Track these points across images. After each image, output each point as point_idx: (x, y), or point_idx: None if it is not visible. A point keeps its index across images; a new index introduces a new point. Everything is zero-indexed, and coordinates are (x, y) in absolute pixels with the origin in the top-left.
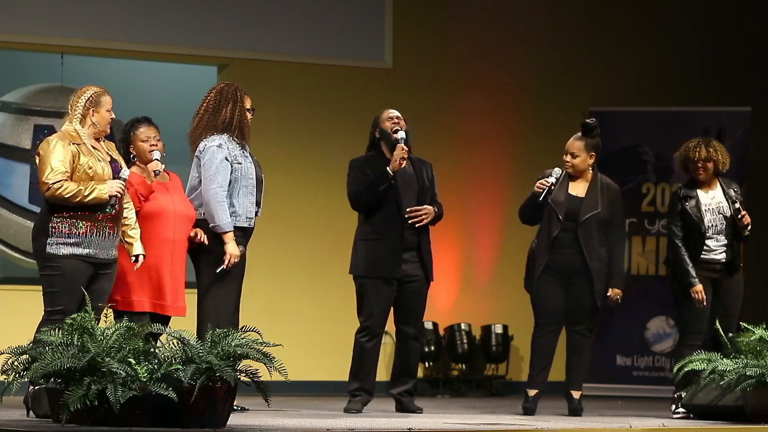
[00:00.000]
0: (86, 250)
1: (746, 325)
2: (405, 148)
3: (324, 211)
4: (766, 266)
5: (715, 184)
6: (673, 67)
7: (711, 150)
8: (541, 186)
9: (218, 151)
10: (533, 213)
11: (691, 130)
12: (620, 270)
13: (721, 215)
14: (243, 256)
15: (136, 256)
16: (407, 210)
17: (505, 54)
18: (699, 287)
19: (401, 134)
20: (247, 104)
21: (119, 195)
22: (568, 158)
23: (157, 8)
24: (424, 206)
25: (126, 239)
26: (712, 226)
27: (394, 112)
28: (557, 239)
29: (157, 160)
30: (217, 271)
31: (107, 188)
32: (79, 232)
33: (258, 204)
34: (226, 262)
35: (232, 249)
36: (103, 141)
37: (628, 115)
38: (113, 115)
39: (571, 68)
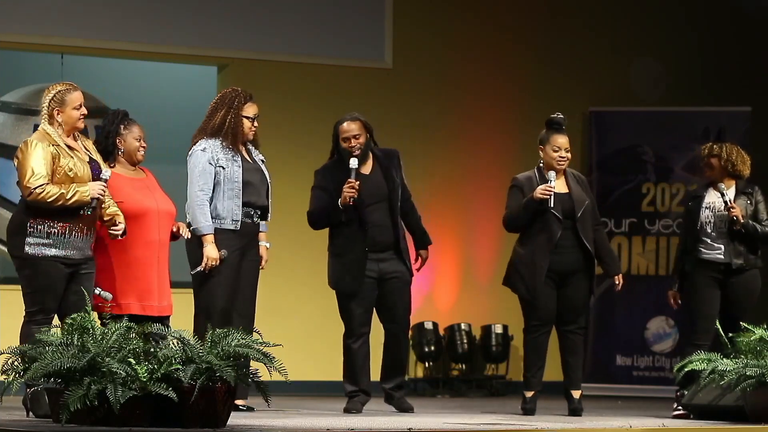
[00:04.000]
0: (64, 252)
1: (746, 325)
2: (356, 182)
3: None
4: (766, 267)
5: (730, 185)
6: (673, 67)
7: (716, 147)
8: (546, 192)
9: (202, 155)
10: (529, 221)
11: (691, 130)
12: (615, 255)
13: (718, 213)
14: (231, 258)
15: (124, 228)
16: (415, 269)
17: (505, 54)
18: (671, 292)
19: (353, 162)
20: (248, 111)
21: (101, 197)
22: (563, 154)
23: (157, 8)
24: (420, 257)
25: (112, 222)
26: (708, 223)
27: (351, 130)
28: (559, 239)
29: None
30: (192, 272)
31: (89, 190)
32: (56, 233)
33: (260, 207)
34: (203, 264)
35: (209, 252)
36: (80, 140)
37: (628, 115)
38: (84, 111)
39: (571, 68)
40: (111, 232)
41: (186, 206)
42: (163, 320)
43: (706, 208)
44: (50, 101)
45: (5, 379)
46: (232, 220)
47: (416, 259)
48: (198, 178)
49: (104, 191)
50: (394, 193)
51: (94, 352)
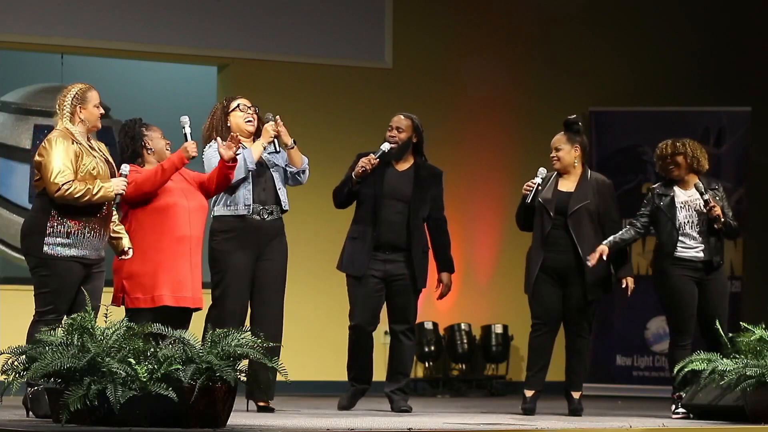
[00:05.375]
0: (82, 252)
1: (746, 325)
2: (374, 158)
3: (323, 212)
4: (766, 267)
5: (693, 181)
6: (673, 68)
7: (678, 144)
8: (528, 188)
9: (208, 148)
10: (526, 217)
11: (691, 130)
12: (626, 257)
13: (697, 212)
14: (241, 258)
15: (126, 250)
16: (438, 297)
17: (504, 54)
18: (603, 248)
19: (385, 146)
20: (234, 104)
21: (123, 192)
22: (553, 153)
23: (157, 8)
24: (442, 281)
25: (113, 236)
26: (687, 222)
27: (398, 121)
28: (550, 236)
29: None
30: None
31: (113, 186)
32: (75, 232)
33: (272, 203)
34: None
35: (265, 135)
36: (96, 141)
37: (628, 115)
38: (102, 111)
39: (571, 68)
40: (122, 258)
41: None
42: (190, 313)
43: (683, 207)
44: (72, 99)
45: (5, 379)
46: (244, 205)
47: (437, 285)
48: (216, 163)
49: (126, 187)
50: (416, 200)
51: (94, 352)
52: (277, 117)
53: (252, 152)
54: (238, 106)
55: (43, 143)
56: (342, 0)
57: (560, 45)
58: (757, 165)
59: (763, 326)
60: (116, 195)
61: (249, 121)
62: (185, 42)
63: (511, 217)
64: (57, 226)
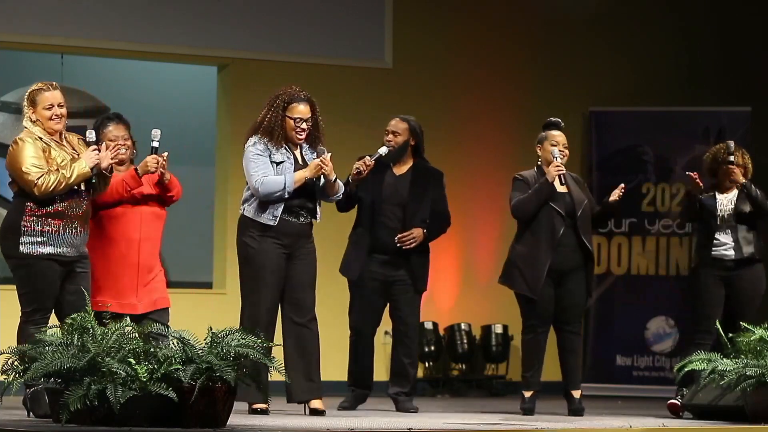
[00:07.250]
0: (59, 249)
1: (746, 325)
2: (369, 160)
3: (327, 213)
4: (766, 267)
5: (734, 188)
6: (674, 68)
7: (747, 158)
8: (559, 168)
9: (252, 149)
10: (538, 207)
11: (691, 130)
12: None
13: (731, 210)
14: (274, 259)
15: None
16: (397, 236)
17: (504, 54)
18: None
19: (382, 150)
20: (292, 112)
21: (99, 162)
22: (561, 148)
23: (157, 8)
24: (412, 231)
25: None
26: (718, 216)
27: (394, 125)
28: (561, 237)
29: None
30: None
31: (85, 163)
32: (51, 231)
33: (308, 208)
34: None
35: (311, 167)
36: (67, 139)
37: (628, 115)
38: (57, 112)
39: (571, 69)
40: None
41: (262, 198)
42: (161, 314)
43: (719, 205)
44: (26, 100)
45: (5, 379)
46: (272, 215)
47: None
48: (254, 169)
49: (99, 155)
50: (413, 202)
51: (94, 352)
52: (329, 155)
53: (293, 181)
54: (295, 120)
55: (10, 147)
56: (342, 0)
57: (560, 45)
58: (757, 165)
59: (764, 326)
60: (92, 169)
61: (301, 133)
62: (185, 42)
63: (512, 217)
64: (32, 225)
